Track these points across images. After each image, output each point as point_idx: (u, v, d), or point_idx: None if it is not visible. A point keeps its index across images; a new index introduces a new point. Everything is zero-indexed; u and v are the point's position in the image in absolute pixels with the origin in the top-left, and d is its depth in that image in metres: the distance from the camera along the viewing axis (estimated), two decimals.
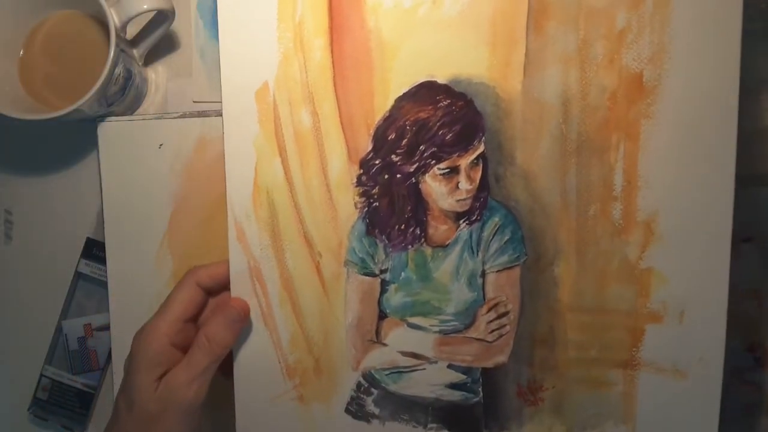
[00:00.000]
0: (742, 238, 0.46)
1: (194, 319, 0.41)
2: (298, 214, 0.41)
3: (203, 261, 0.44)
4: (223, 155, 0.40)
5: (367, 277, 0.42)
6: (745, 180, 0.39)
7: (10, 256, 0.51)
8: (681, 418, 0.40)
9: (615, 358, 0.41)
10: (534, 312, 0.41)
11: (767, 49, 0.46)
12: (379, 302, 0.42)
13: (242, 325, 0.41)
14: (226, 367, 0.41)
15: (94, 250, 0.48)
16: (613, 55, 0.38)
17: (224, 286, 0.41)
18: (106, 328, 0.47)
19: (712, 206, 0.39)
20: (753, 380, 0.47)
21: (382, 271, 0.42)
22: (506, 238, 0.41)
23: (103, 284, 0.47)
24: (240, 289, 0.41)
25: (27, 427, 0.50)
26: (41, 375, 0.49)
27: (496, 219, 0.41)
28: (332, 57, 0.40)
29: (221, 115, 0.40)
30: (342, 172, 0.41)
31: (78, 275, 0.49)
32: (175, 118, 0.46)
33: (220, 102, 0.40)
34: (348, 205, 0.41)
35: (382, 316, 0.42)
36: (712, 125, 0.38)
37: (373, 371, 0.43)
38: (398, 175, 0.41)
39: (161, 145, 0.46)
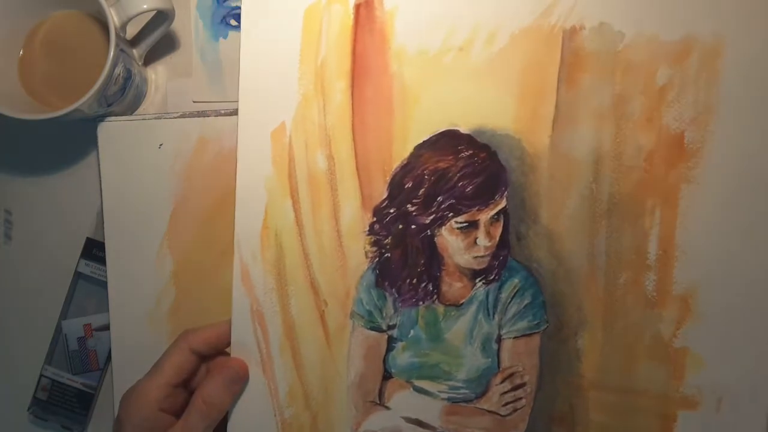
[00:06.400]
0: None
1: (185, 384, 0.39)
2: (305, 258, 0.39)
3: (203, 261, 0.44)
4: (234, 192, 0.39)
5: (374, 332, 0.39)
6: None
7: (10, 256, 0.50)
8: None
9: None
10: (553, 386, 0.38)
11: None
12: (385, 360, 0.39)
13: (240, 387, 0.39)
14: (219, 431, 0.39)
15: (94, 250, 0.48)
16: (652, 113, 0.36)
17: (218, 350, 0.40)
18: (106, 328, 0.46)
19: (760, 285, 0.34)
20: None
21: (390, 327, 0.39)
22: (526, 302, 0.38)
23: (103, 284, 0.47)
24: (241, 333, 0.39)
25: (27, 427, 0.49)
26: (41, 375, 0.48)
27: (516, 280, 0.38)
28: (352, 100, 0.39)
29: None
30: (354, 219, 0.39)
31: (78, 275, 0.48)
32: (175, 118, 0.46)
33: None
34: (358, 253, 0.39)
35: (387, 376, 0.39)
36: (763, 194, 0.34)
37: None
38: (413, 226, 0.39)
39: (161, 145, 0.45)
